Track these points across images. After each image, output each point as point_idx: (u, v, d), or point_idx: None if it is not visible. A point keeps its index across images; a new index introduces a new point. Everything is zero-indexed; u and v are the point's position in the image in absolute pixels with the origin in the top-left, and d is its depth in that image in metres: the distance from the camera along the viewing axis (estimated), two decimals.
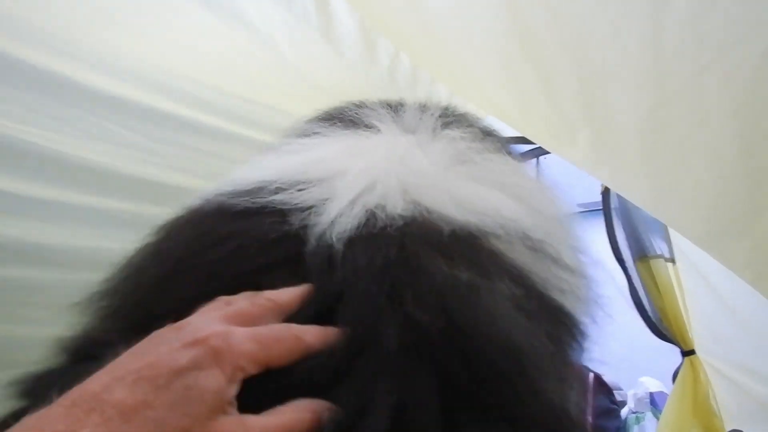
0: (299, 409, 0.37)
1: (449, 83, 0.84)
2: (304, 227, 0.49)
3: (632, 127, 0.60)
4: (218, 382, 0.35)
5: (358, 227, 0.49)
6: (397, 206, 0.51)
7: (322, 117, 0.78)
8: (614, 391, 2.24)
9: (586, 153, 0.67)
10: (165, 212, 0.59)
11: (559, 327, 0.53)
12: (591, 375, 1.93)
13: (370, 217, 0.49)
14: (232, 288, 0.45)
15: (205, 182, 0.97)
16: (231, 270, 0.48)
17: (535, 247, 0.55)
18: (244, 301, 0.43)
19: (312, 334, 0.40)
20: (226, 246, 0.50)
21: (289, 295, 0.44)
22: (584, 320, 0.57)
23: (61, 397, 0.33)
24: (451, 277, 0.44)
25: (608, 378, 2.23)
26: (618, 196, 1.46)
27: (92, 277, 0.54)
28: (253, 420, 0.36)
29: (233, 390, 0.36)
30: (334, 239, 0.47)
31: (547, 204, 0.64)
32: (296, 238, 0.48)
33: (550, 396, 0.41)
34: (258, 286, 0.45)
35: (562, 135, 0.70)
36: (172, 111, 0.98)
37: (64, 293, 0.51)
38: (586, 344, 0.58)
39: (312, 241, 0.48)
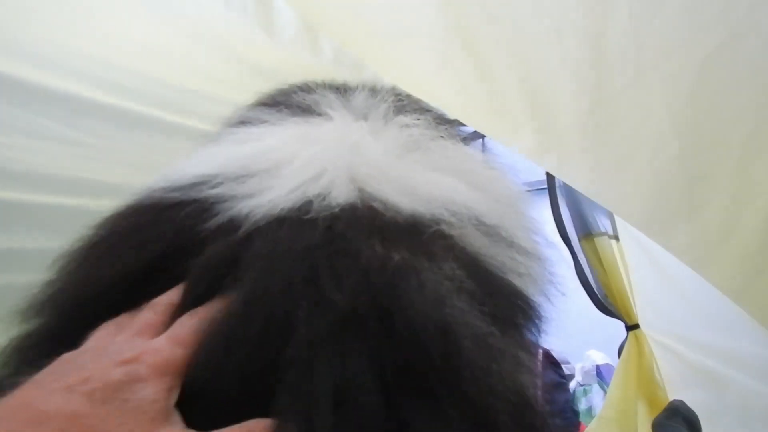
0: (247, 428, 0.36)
1: (390, 78, 0.84)
2: (232, 216, 0.48)
3: (574, 125, 0.61)
4: (157, 392, 0.35)
5: (288, 212, 0.48)
6: (340, 195, 0.50)
7: (267, 102, 0.76)
8: (562, 365, 2.30)
9: (531, 145, 0.68)
10: (100, 207, 0.56)
11: (516, 310, 0.53)
12: (540, 351, 1.97)
13: (305, 204, 0.48)
14: (147, 275, 0.46)
15: (147, 176, 0.94)
16: (147, 257, 0.47)
17: (490, 232, 0.55)
18: (146, 313, 0.43)
19: (215, 308, 0.41)
20: (144, 234, 0.49)
21: (178, 292, 0.44)
22: (540, 302, 0.58)
23: None
24: (379, 258, 0.43)
25: (556, 352, 2.29)
26: None
27: (20, 281, 0.51)
28: None
29: (173, 399, 0.36)
30: (253, 222, 0.47)
31: (501, 188, 0.64)
32: (221, 227, 0.47)
33: (502, 378, 0.41)
34: (173, 274, 0.45)
35: (505, 129, 0.70)
36: (110, 103, 0.94)
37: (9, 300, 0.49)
38: (544, 326, 0.58)
39: (229, 224, 0.47)
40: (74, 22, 0.89)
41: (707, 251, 0.62)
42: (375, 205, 0.50)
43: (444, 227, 0.51)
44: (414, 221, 0.50)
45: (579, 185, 0.73)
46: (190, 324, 0.41)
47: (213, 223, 0.48)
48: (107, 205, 0.56)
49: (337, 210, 0.48)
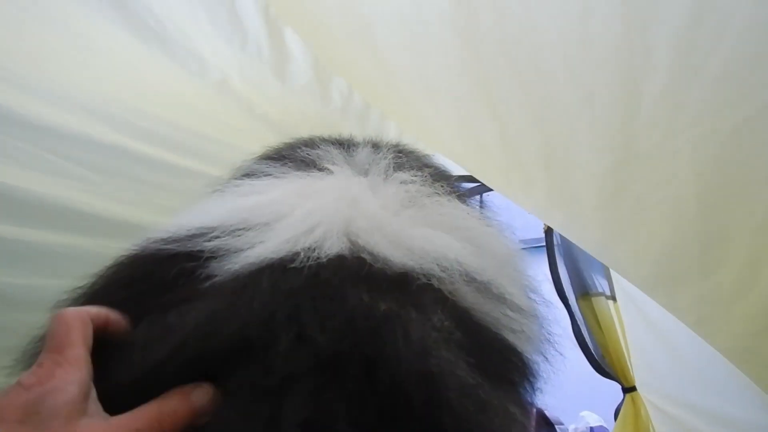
0: (167, 398, 0.40)
1: (404, 126, 0.85)
2: (221, 267, 0.49)
3: (591, 183, 0.62)
4: (66, 395, 0.38)
5: (272, 261, 0.49)
6: (332, 248, 0.51)
7: (273, 156, 0.78)
8: (555, 426, 2.26)
9: (540, 200, 0.69)
10: (106, 247, 0.57)
11: (508, 366, 0.53)
12: (534, 410, 1.94)
13: (294, 255, 0.49)
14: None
15: (151, 216, 0.95)
16: (138, 309, 0.48)
17: (481, 288, 0.55)
18: None
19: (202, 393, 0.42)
20: (136, 287, 0.51)
21: None
22: (535, 359, 0.58)
23: None
24: (366, 306, 0.44)
25: (550, 412, 2.25)
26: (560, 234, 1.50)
27: (25, 319, 0.51)
28: (118, 417, 0.39)
29: (85, 393, 0.39)
30: (240, 268, 0.48)
31: (496, 246, 0.65)
32: (206, 278, 0.49)
33: (489, 430, 0.42)
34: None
35: (516, 183, 0.71)
36: (118, 143, 0.95)
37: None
38: (539, 384, 0.58)
39: (218, 273, 0.49)
40: (88, 61, 0.92)
41: (715, 311, 0.63)
42: (364, 256, 0.51)
43: (434, 281, 0.52)
44: (403, 274, 0.51)
45: (585, 243, 0.74)
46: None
47: (202, 279, 0.49)
48: (104, 244, 0.57)
49: (324, 260, 0.49)
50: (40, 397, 0.38)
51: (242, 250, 0.51)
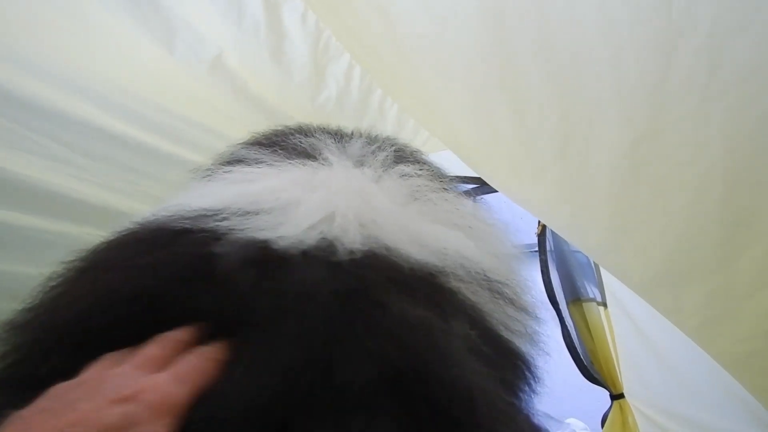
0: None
1: (411, 109, 0.82)
2: (248, 244, 0.46)
3: (609, 165, 0.59)
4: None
5: (315, 250, 0.46)
6: (355, 240, 0.49)
7: (262, 142, 0.75)
8: None
9: (549, 192, 0.66)
10: (90, 233, 0.54)
11: (515, 371, 0.52)
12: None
13: (329, 245, 0.47)
14: (151, 298, 0.43)
15: (137, 204, 0.92)
16: (151, 280, 0.45)
17: (493, 288, 0.54)
18: (151, 347, 0.40)
19: (222, 351, 0.39)
20: (149, 258, 0.47)
21: (191, 330, 0.41)
22: (536, 363, 0.56)
23: None
24: (409, 315, 0.42)
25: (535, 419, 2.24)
26: (553, 239, 1.49)
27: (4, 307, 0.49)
28: None
29: None
30: (278, 256, 0.45)
31: (501, 245, 0.64)
32: (232, 255, 0.45)
33: None
34: (177, 301, 0.43)
35: (526, 172, 0.68)
36: (107, 125, 0.92)
37: None
38: (539, 389, 0.56)
39: (247, 254, 0.45)
40: (80, 40, 0.89)
41: (725, 308, 0.60)
42: (390, 254, 0.49)
43: (453, 281, 0.50)
44: (427, 274, 0.49)
45: (588, 243, 0.72)
46: (195, 362, 0.38)
47: (229, 251, 0.45)
48: (90, 232, 0.54)
49: (359, 256, 0.47)
50: (138, 420, 0.33)
51: (264, 232, 0.48)
